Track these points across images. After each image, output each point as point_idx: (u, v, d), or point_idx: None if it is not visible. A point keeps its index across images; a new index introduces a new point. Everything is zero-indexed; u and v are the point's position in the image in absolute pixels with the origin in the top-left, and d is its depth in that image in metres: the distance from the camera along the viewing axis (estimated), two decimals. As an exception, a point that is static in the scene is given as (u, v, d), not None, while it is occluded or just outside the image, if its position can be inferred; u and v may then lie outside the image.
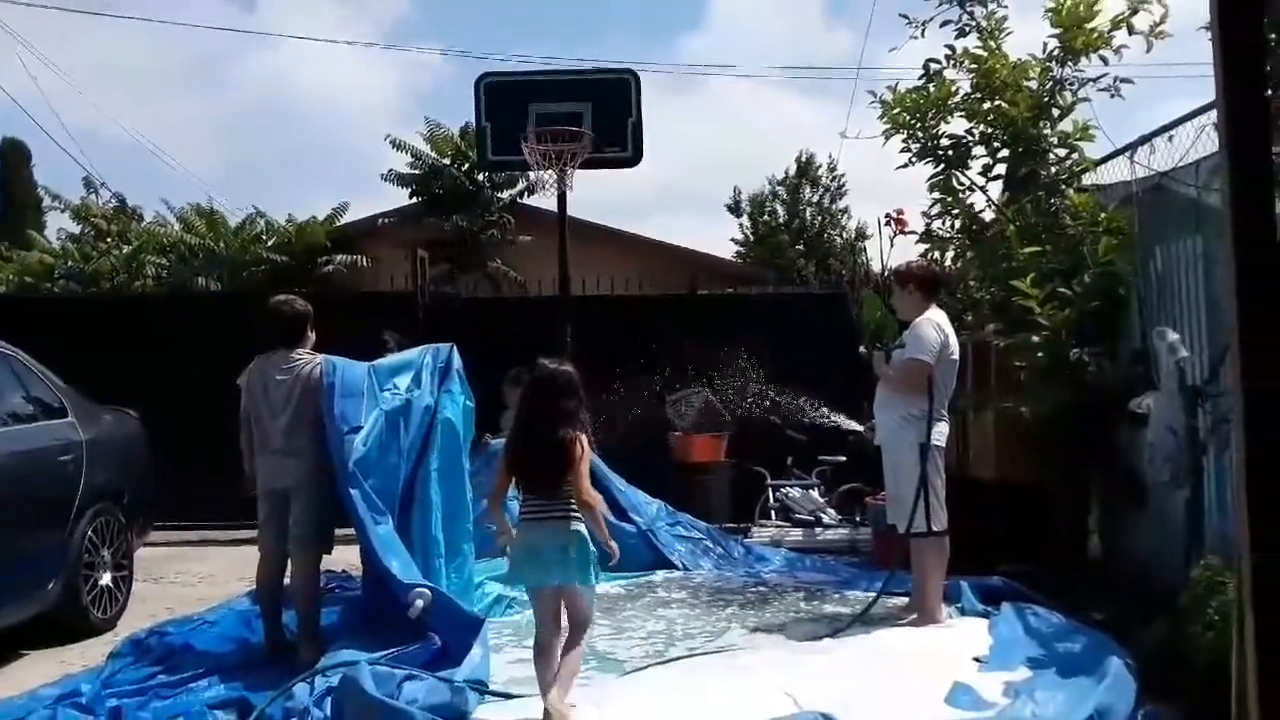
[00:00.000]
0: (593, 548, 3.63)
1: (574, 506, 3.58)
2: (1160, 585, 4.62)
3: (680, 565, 6.63)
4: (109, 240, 16.14)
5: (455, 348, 5.42)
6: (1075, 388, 5.48)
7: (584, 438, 3.61)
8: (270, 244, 15.37)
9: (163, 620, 5.29)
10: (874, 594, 5.21)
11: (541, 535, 3.58)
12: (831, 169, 24.93)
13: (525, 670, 4.30)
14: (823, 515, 7.83)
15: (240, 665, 4.49)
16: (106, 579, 5.56)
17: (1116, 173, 5.95)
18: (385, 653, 4.09)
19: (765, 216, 24.89)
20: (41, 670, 4.66)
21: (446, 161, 14.81)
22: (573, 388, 3.64)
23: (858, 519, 7.68)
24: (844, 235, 23.85)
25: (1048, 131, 6.25)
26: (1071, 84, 6.19)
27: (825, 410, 7.97)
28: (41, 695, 4.15)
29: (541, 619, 3.71)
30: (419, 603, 4.32)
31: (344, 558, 5.24)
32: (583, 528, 3.61)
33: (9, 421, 5.19)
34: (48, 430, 5.41)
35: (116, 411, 6.27)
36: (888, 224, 7.46)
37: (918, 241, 6.94)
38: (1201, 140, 4.55)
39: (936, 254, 7.11)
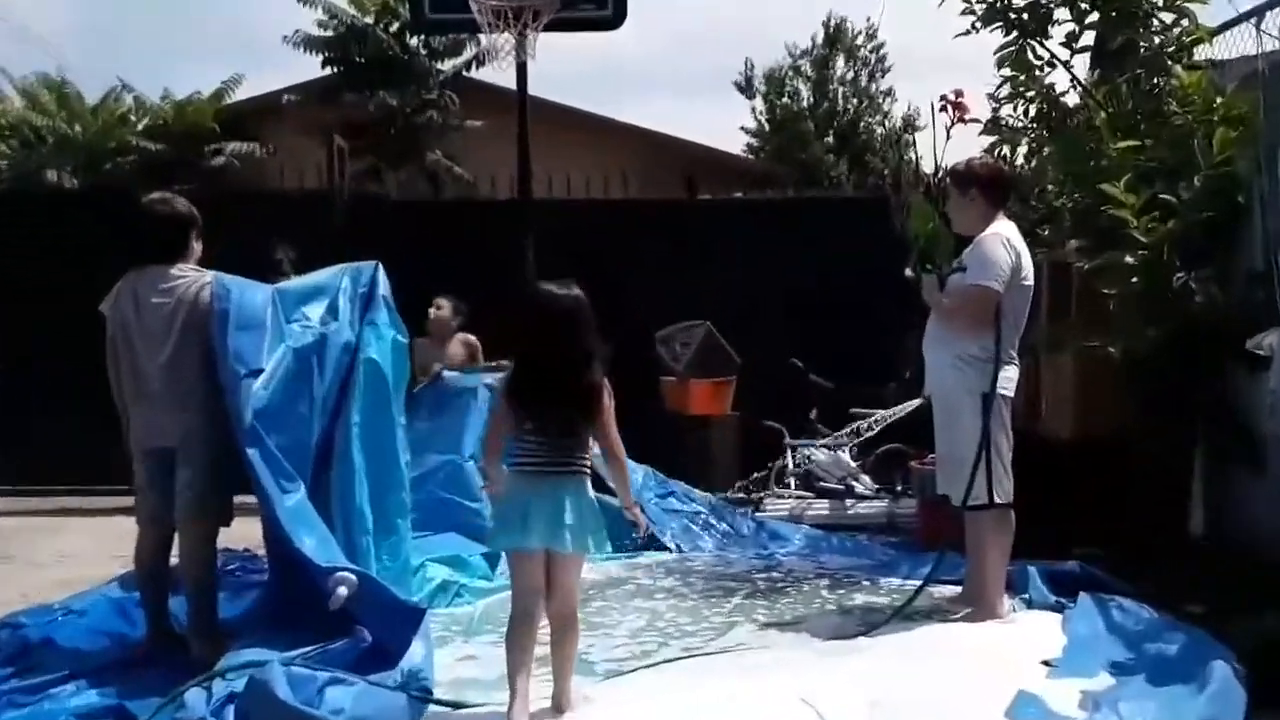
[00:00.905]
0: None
1: (585, 461, 3.80)
2: (1278, 570, 4.73)
3: (673, 546, 6.72)
4: (-72, 120, 15.92)
5: (381, 267, 5.39)
6: (1178, 321, 5.52)
7: (605, 381, 3.80)
8: (141, 128, 15.25)
9: (14, 610, 5.32)
10: (919, 582, 5.28)
11: (549, 490, 3.75)
12: (870, 37, 24.72)
13: (476, 670, 4.44)
14: (855, 483, 7.94)
15: (116, 665, 4.54)
16: (-60, 557, 5.59)
17: (1238, 45, 5.94)
18: (301, 651, 4.13)
19: (785, 98, 24.69)
20: None
21: (369, 21, 14.60)
22: (586, 316, 3.81)
23: (899, 488, 7.78)
24: (886, 124, 23.72)
25: (1151, -10, 6.23)
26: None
27: (876, 414, 8.08)
28: None
29: (528, 587, 3.84)
30: (341, 590, 4.34)
31: (245, 532, 5.28)
32: (590, 487, 3.80)
33: None
34: None
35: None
36: (943, 109, 7.47)
37: (981, 133, 6.96)
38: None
39: (1005, 149, 7.12)
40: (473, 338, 7.57)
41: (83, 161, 14.83)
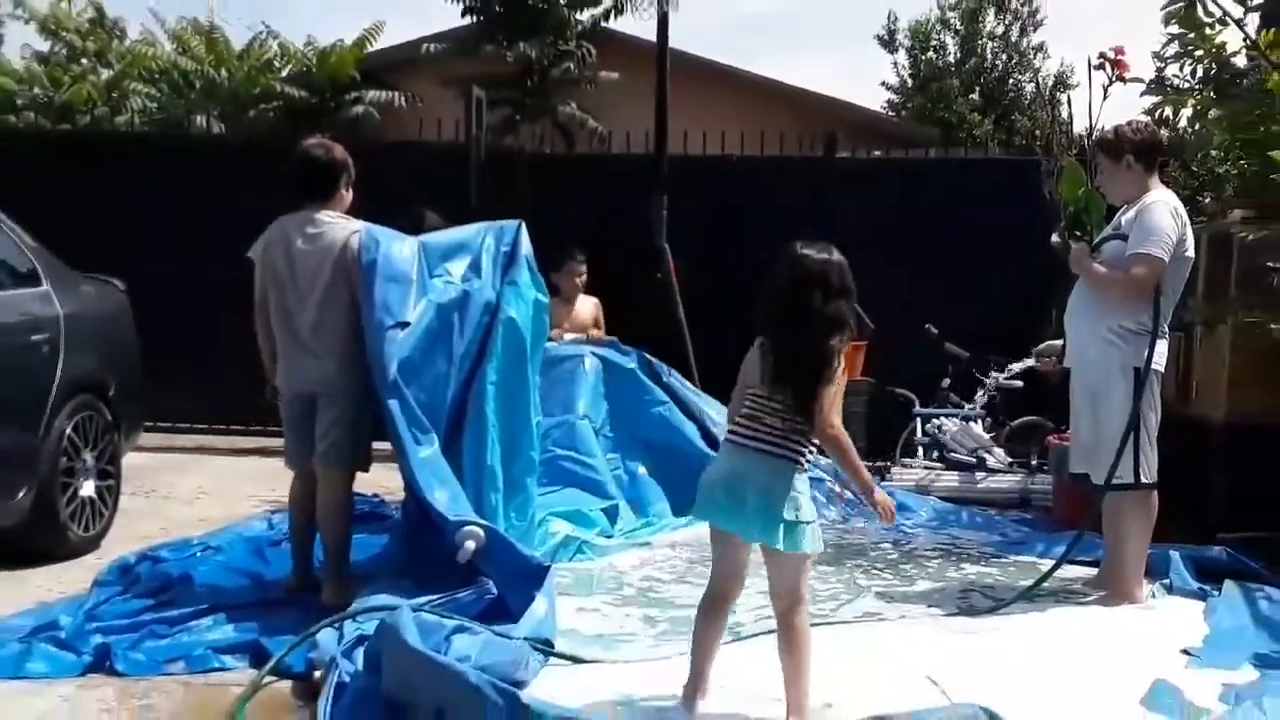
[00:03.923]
0: (810, 509, 3.50)
1: (801, 448, 3.50)
2: None
3: (795, 513, 6.72)
4: (84, 61, 16.52)
5: (523, 227, 5.45)
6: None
7: (838, 358, 3.48)
8: (285, 74, 15.56)
9: (156, 543, 5.59)
10: (1052, 561, 5.20)
11: (753, 467, 3.49)
12: (1025, -12, 23.96)
13: (594, 624, 4.55)
14: (987, 456, 7.82)
15: (252, 603, 4.74)
16: (89, 489, 5.86)
17: None
18: (430, 598, 4.27)
19: (930, 53, 24.13)
20: (9, 595, 4.93)
21: (513, -30, 14.62)
22: (847, 283, 3.54)
23: (1034, 462, 7.65)
24: (1037, 82, 22.99)
25: (1336, -61, 5.92)
26: None
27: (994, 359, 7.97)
28: (12, 625, 4.43)
29: (724, 571, 3.64)
30: (469, 544, 4.47)
31: (378, 478, 5.43)
32: (802, 479, 3.51)
33: (-33, 290, 5.42)
34: (17, 301, 5.62)
35: (99, 281, 6.51)
36: (1100, 67, 7.19)
37: (1143, 93, 6.68)
38: None
39: (1168, 111, 6.85)
40: (596, 300, 7.61)
41: (228, 106, 15.24)
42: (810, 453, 3.51)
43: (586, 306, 7.64)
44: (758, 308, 3.61)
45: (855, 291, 3.55)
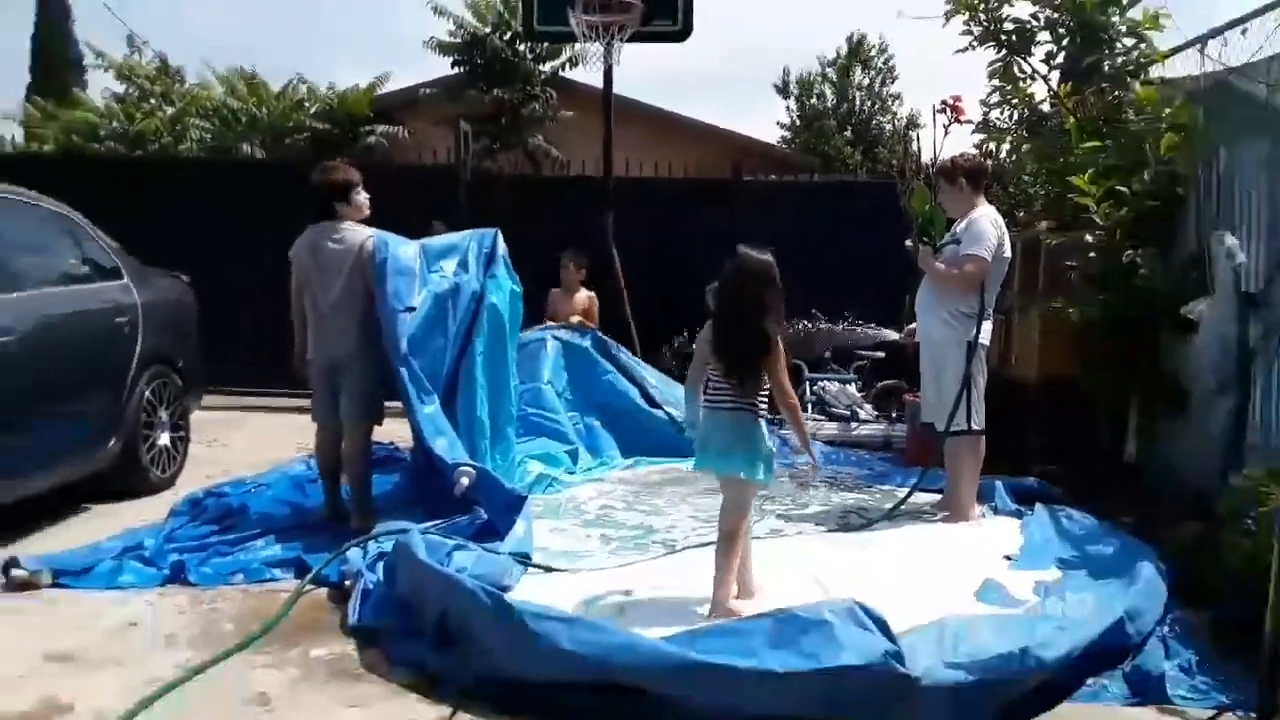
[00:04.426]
0: (768, 445, 3.56)
1: (751, 400, 3.53)
2: (1195, 493, 4.65)
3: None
4: (152, 101, 16.08)
5: (500, 234, 5.43)
6: (1126, 291, 5.39)
7: (778, 336, 3.51)
8: (313, 111, 15.25)
9: (218, 481, 5.50)
10: (907, 489, 5.27)
11: (719, 422, 3.54)
12: (883, 50, 24.11)
13: (564, 543, 4.56)
14: (859, 410, 7.90)
15: (295, 527, 4.71)
16: (164, 439, 5.76)
17: (1186, 66, 5.70)
18: (434, 523, 4.25)
19: (813, 99, 24.20)
20: (103, 525, 4.88)
21: (488, 30, 14.43)
22: (775, 280, 3.53)
23: (894, 415, 7.73)
24: (894, 123, 23.17)
25: (1116, 19, 6.01)
26: (1146, -32, 5.91)
27: (863, 325, 8.03)
28: (106, 547, 4.38)
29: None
30: (464, 480, 4.46)
31: (391, 429, 5.38)
32: (762, 426, 3.55)
33: (66, 282, 5.26)
34: (103, 292, 5.49)
35: (168, 275, 6.35)
36: (942, 111, 7.25)
37: (973, 132, 6.78)
38: (1278, 35, 4.34)
39: (992, 145, 6.94)
40: (592, 293, 7.49)
41: (268, 138, 14.94)
42: (763, 404, 3.55)
43: (581, 298, 7.42)
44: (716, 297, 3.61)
45: (780, 284, 3.55)
